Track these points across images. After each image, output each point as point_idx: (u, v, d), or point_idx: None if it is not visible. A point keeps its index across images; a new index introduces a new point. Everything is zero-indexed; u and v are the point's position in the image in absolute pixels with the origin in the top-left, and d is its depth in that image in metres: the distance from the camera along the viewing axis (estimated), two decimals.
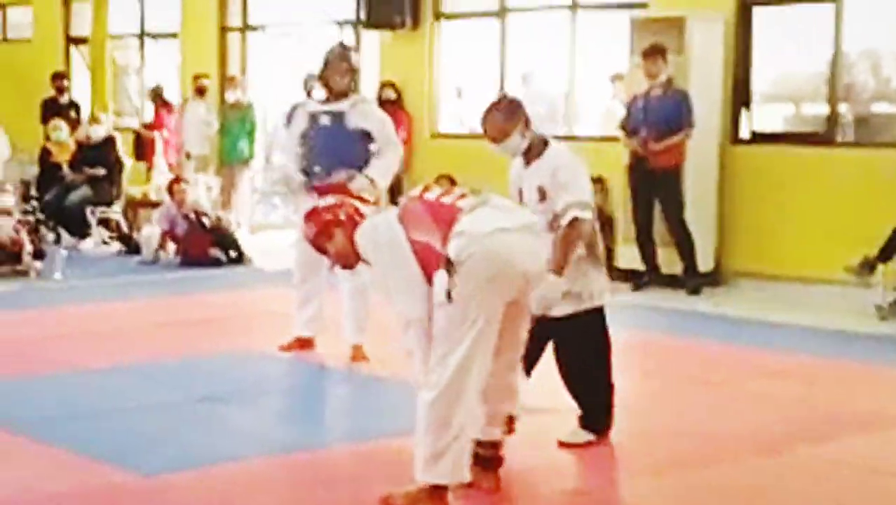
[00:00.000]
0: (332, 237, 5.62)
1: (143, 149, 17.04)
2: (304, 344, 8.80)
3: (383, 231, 5.42)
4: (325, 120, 8.45)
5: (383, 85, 14.87)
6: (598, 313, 6.51)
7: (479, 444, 5.61)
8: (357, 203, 5.72)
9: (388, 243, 5.38)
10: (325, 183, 8.08)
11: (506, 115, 6.14)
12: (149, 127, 16.92)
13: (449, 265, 5.15)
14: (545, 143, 6.29)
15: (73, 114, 16.85)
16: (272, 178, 17.24)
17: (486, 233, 5.18)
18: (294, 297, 8.85)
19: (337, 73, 8.42)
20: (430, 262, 5.25)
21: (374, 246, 5.45)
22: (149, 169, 16.72)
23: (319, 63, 8.58)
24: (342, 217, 5.61)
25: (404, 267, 5.31)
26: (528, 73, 15.26)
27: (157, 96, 17.19)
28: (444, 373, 5.19)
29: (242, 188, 15.91)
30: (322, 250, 5.75)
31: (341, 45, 8.80)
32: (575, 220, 6.04)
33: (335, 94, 8.47)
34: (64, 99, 17.23)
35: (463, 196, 5.44)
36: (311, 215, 5.75)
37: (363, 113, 8.49)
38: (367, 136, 8.42)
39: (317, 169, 8.41)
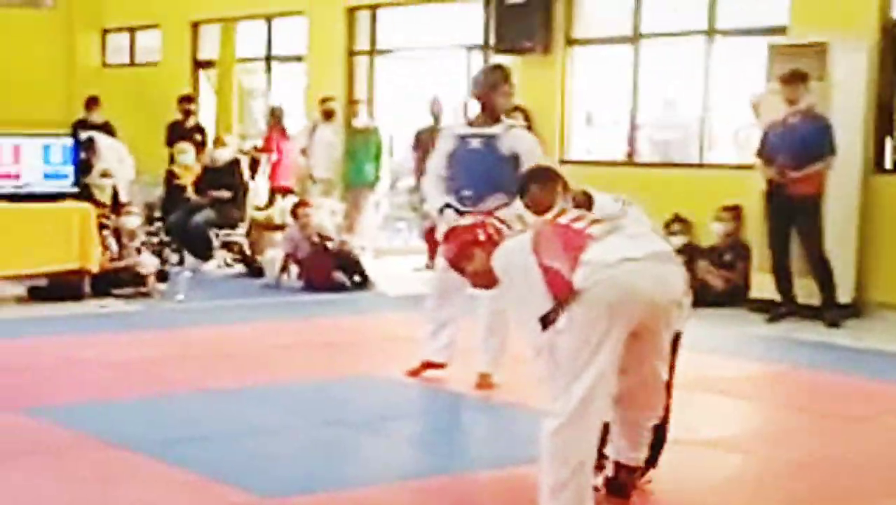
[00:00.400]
0: (471, 258, 5.59)
1: (253, 171, 17.16)
2: (433, 369, 8.71)
3: (517, 256, 5.38)
4: (475, 143, 8.32)
5: (512, 109, 14.83)
6: None
7: (618, 467, 5.57)
8: (497, 223, 5.69)
9: (520, 269, 5.33)
10: (475, 208, 8.03)
11: (542, 186, 6.12)
12: (260, 150, 16.97)
13: (572, 293, 5.10)
14: (589, 196, 6.22)
15: (198, 137, 17.04)
16: (399, 203, 17.35)
17: (612, 262, 5.13)
18: (427, 322, 8.72)
19: (501, 94, 8.32)
20: (558, 288, 5.19)
21: (507, 270, 5.43)
22: None
23: (475, 82, 8.48)
24: (481, 237, 5.60)
25: (534, 294, 5.25)
26: (669, 98, 15.13)
27: (273, 118, 17.31)
28: (569, 402, 5.14)
29: (367, 212, 15.96)
30: (460, 271, 5.73)
31: (501, 66, 8.73)
32: None
33: (492, 117, 8.35)
34: (190, 122, 17.44)
35: (595, 222, 5.39)
36: (451, 235, 5.75)
37: (515, 137, 8.35)
38: (517, 161, 8.23)
39: (467, 193, 8.29)
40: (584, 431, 5.18)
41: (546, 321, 5.14)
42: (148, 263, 12.59)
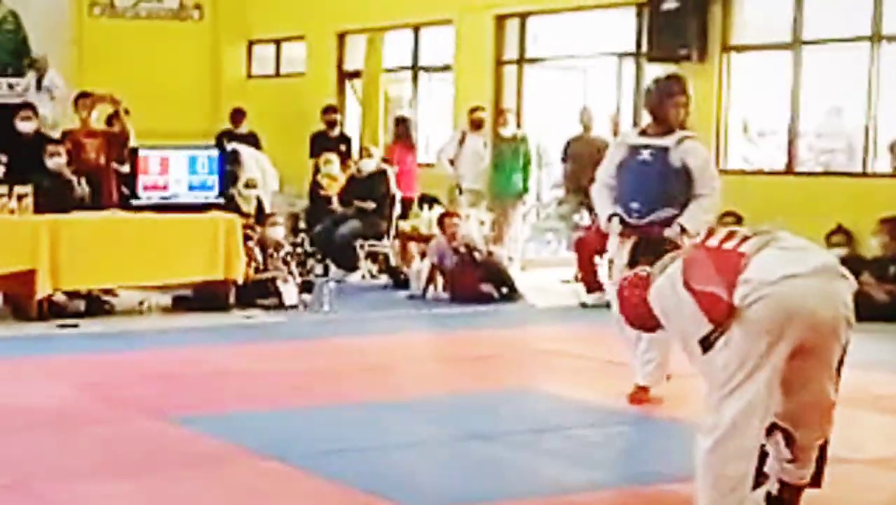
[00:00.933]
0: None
1: None
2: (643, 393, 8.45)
3: (668, 295, 5.36)
4: (645, 154, 8.14)
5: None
6: None
7: (782, 484, 5.48)
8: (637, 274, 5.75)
9: (673, 306, 5.33)
10: (643, 222, 7.98)
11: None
12: (385, 161, 16.86)
13: (731, 312, 5.06)
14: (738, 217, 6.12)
15: (343, 147, 17.15)
16: (548, 214, 17.32)
17: (773, 280, 5.05)
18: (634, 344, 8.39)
19: (674, 105, 8.13)
20: (716, 310, 5.14)
21: (664, 311, 5.44)
22: None
23: (648, 92, 8.36)
24: (626, 293, 5.73)
25: (693, 325, 5.21)
26: (832, 106, 14.88)
27: (401, 128, 17.32)
28: (721, 420, 5.10)
29: (515, 223, 15.93)
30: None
31: (676, 76, 8.62)
32: None
33: (665, 128, 8.16)
34: (334, 133, 17.57)
35: (746, 239, 5.29)
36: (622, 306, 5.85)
37: (687, 150, 8.14)
38: (689, 174, 8.07)
39: (634, 206, 8.13)
40: (740, 450, 5.12)
41: (706, 344, 5.11)
42: (294, 275, 12.73)
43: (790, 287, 5.05)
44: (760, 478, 5.54)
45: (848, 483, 6.31)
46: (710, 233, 5.50)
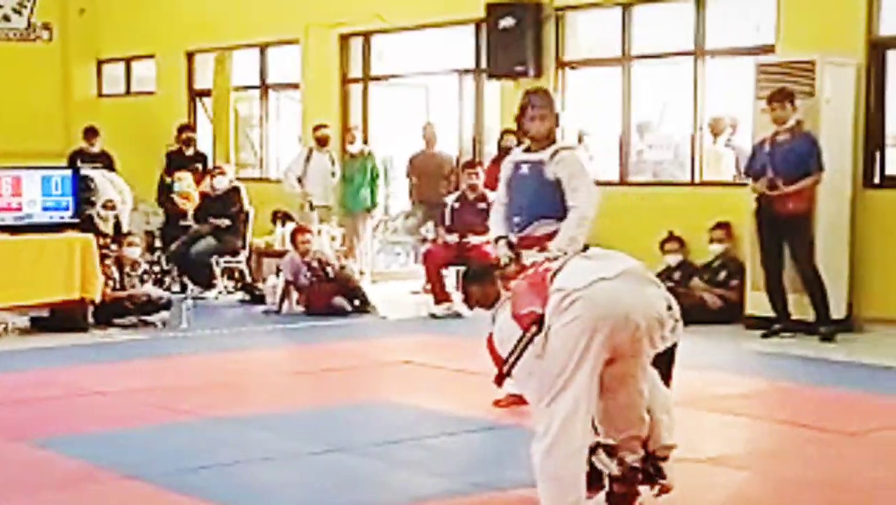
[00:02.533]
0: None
1: None
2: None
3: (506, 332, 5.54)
4: (524, 169, 8.16)
5: (504, 133, 14.87)
6: None
7: (611, 480, 5.65)
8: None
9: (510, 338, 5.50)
10: (524, 235, 8.04)
11: (481, 286, 6.27)
12: None
13: (538, 320, 5.26)
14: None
15: (198, 166, 17.05)
16: (396, 227, 17.39)
17: (584, 285, 5.24)
18: None
19: (528, 119, 8.10)
20: (525, 323, 5.37)
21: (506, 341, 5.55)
22: None
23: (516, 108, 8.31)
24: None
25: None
26: (659, 118, 15.19)
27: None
28: (551, 426, 5.26)
29: (365, 237, 16.00)
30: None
31: (530, 90, 8.63)
32: None
33: (541, 143, 8.12)
34: (189, 151, 17.46)
35: (554, 259, 5.60)
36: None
37: (559, 161, 8.08)
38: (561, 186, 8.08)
39: (516, 220, 8.16)
40: (570, 451, 5.28)
41: (498, 380, 5.47)
42: (150, 293, 12.63)
43: (600, 289, 5.24)
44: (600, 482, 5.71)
45: (687, 482, 6.42)
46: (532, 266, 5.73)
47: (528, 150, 8.31)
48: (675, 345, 5.71)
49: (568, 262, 5.44)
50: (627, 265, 5.46)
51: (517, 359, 5.32)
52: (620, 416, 5.59)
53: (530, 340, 5.29)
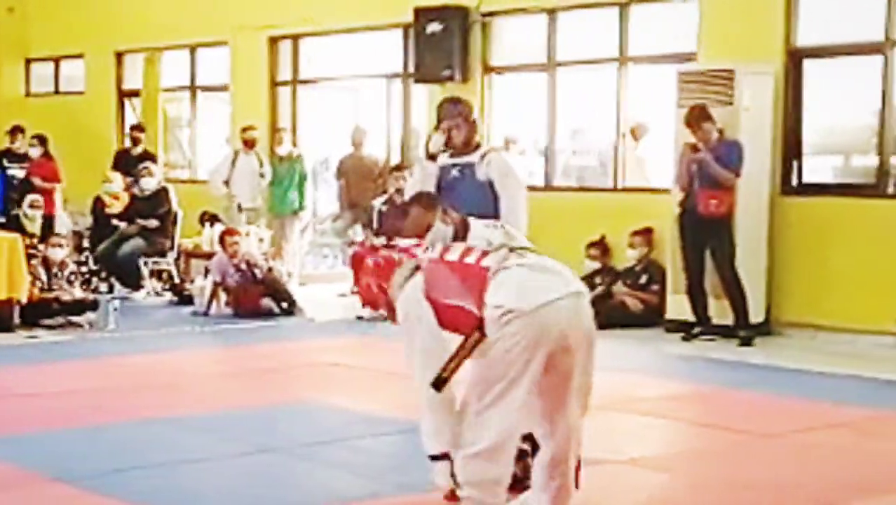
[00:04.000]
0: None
1: None
2: None
3: (413, 304, 5.51)
4: (455, 172, 7.88)
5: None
6: None
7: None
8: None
9: (417, 317, 5.48)
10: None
11: (423, 207, 6.15)
12: None
13: (482, 327, 5.22)
14: (466, 223, 6.08)
15: (149, 164, 16.91)
16: (324, 230, 17.38)
17: (529, 308, 5.19)
18: None
19: (450, 128, 7.80)
20: (464, 323, 5.30)
21: (406, 316, 5.57)
22: None
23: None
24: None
25: (428, 342, 5.41)
26: (584, 124, 15.29)
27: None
28: (482, 434, 5.26)
29: (293, 239, 15.98)
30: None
31: (451, 98, 8.56)
32: None
33: (465, 148, 7.84)
34: (137, 150, 17.35)
35: (486, 254, 5.45)
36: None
37: (489, 162, 7.81)
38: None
39: None
40: (497, 462, 5.30)
41: (438, 384, 5.30)
42: (77, 293, 12.54)
43: (546, 309, 5.21)
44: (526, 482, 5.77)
45: (608, 484, 6.53)
46: (447, 249, 5.63)
47: (452, 155, 8.09)
48: None
49: (505, 266, 5.35)
50: (567, 279, 5.43)
51: (458, 365, 5.31)
52: (554, 428, 5.55)
53: (474, 347, 5.24)
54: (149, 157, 17.32)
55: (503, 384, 5.21)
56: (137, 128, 18.04)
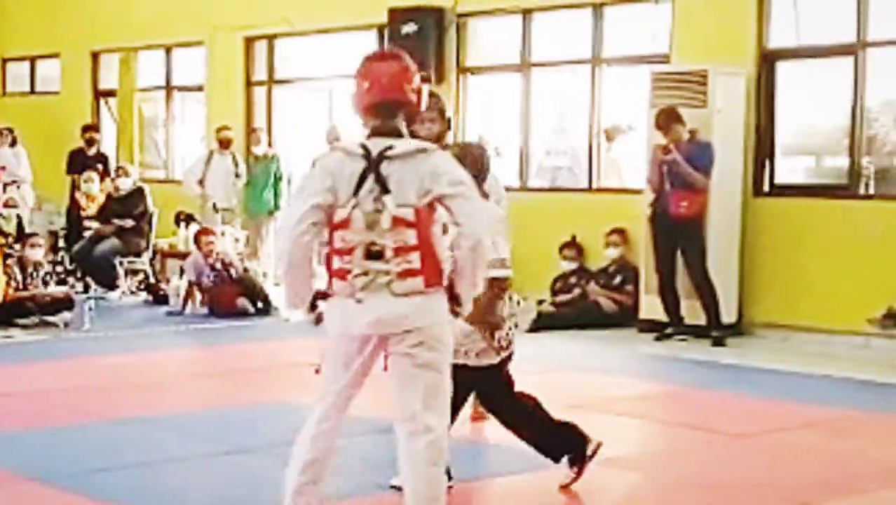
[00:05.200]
0: None
1: None
2: None
3: None
4: None
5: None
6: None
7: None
8: None
9: None
10: None
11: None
12: None
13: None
14: None
15: (100, 166, 16.89)
16: None
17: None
18: None
19: (422, 120, 7.48)
20: None
21: None
22: None
23: None
24: None
25: None
26: (558, 125, 15.30)
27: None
28: (441, 421, 5.19)
29: (268, 239, 15.94)
30: None
31: (431, 94, 8.49)
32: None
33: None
34: (92, 150, 17.29)
35: None
36: None
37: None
38: None
39: None
40: (445, 445, 5.21)
41: None
42: (53, 293, 12.50)
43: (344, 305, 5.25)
44: None
45: (581, 483, 6.53)
46: None
47: None
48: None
49: None
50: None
51: None
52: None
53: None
54: (103, 158, 17.26)
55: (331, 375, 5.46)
56: (92, 128, 17.94)
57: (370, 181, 5.01)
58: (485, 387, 6.46)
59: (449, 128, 8.00)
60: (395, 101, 5.16)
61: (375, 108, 5.16)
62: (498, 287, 6.05)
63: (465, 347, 6.11)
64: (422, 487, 5.19)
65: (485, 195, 5.98)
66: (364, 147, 5.08)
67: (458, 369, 5.53)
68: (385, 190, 4.99)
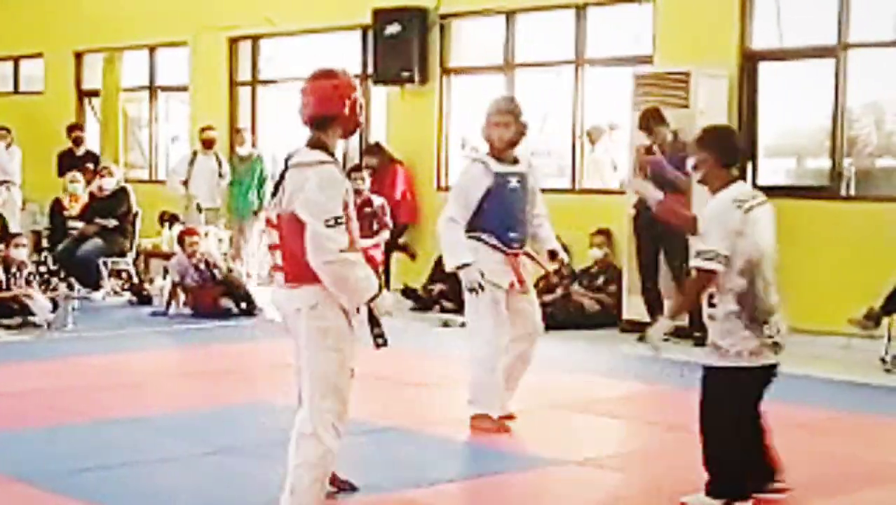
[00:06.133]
0: None
1: None
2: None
3: None
4: (513, 182, 7.81)
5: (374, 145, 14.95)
6: (745, 373, 6.27)
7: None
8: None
9: None
10: (522, 252, 8.00)
11: None
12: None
13: None
14: None
15: (90, 165, 16.84)
16: None
17: None
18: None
19: (497, 125, 7.81)
20: None
21: None
22: None
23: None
24: None
25: None
26: (542, 125, 15.31)
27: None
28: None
29: (252, 240, 15.92)
30: None
31: (503, 97, 8.33)
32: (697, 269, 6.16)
33: (510, 153, 7.87)
34: (80, 150, 17.24)
35: None
36: None
37: (534, 172, 8.11)
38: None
39: (513, 235, 7.90)
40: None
41: None
42: (37, 294, 12.46)
43: None
44: None
45: (563, 483, 6.55)
46: None
47: (499, 160, 7.87)
48: None
49: None
50: None
51: None
52: None
53: None
54: (92, 157, 17.22)
55: None
56: (77, 127, 17.91)
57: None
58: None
59: (524, 132, 7.91)
60: (324, 115, 5.73)
61: (309, 121, 5.77)
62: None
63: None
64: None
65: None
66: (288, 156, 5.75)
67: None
68: (274, 193, 5.68)
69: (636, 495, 6.76)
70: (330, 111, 5.74)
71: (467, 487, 6.89)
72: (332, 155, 5.72)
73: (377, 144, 15.39)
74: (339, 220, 5.44)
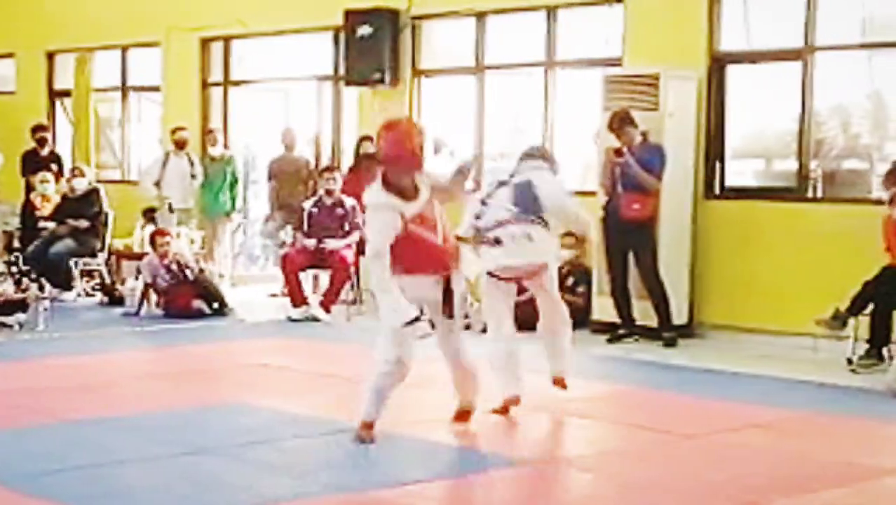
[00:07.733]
0: None
1: None
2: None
3: None
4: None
5: (362, 139, 14.90)
6: None
7: None
8: None
9: None
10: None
11: None
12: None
13: None
14: None
15: (54, 166, 16.79)
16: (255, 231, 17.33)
17: None
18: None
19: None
20: None
21: None
22: None
23: None
24: None
25: None
26: (513, 127, 15.35)
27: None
28: None
29: (224, 240, 15.91)
30: None
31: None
32: None
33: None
34: (45, 151, 17.18)
35: None
36: None
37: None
38: None
39: None
40: None
41: None
42: (7, 294, 12.42)
43: None
44: None
45: (533, 484, 6.58)
46: None
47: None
48: None
49: None
50: None
51: None
52: None
53: None
54: (56, 158, 17.15)
55: None
56: (42, 128, 17.80)
57: None
58: None
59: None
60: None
61: None
62: None
63: None
64: None
65: None
66: None
67: None
68: None
69: (606, 495, 6.79)
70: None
71: (438, 488, 6.90)
72: None
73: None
74: None
